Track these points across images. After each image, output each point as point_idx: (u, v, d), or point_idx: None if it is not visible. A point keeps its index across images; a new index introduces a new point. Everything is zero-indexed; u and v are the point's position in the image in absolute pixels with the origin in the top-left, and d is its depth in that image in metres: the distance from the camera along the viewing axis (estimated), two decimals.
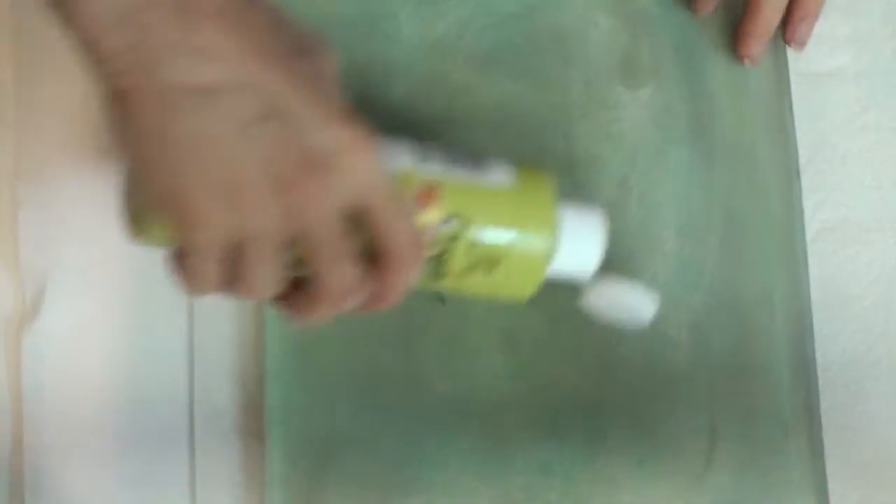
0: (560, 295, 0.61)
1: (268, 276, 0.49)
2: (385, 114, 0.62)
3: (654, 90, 0.62)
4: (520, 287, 0.54)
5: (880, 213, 0.63)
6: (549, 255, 0.53)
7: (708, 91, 0.62)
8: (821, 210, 0.63)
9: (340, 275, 0.50)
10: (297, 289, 0.51)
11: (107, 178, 0.63)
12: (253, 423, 0.61)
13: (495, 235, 0.52)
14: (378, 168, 0.49)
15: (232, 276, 0.49)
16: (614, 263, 0.61)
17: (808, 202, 0.62)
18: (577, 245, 0.54)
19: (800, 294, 0.60)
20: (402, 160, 0.52)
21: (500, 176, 0.52)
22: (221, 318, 0.62)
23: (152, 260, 0.62)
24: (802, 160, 0.63)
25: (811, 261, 0.62)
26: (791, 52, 0.63)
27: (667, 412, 0.60)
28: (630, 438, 0.60)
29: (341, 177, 0.48)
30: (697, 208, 0.61)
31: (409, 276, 0.51)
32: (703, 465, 0.60)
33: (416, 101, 0.63)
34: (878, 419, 0.61)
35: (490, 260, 0.52)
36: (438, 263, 0.52)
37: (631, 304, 0.57)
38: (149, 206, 0.50)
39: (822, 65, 0.64)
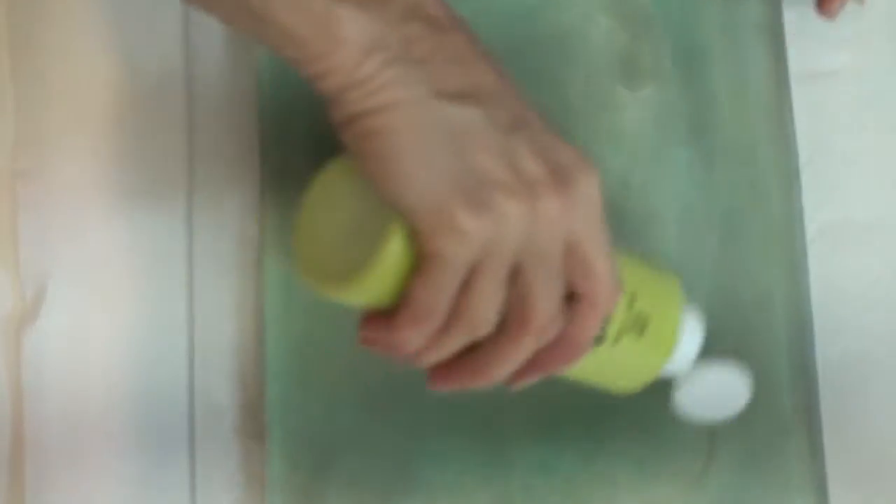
0: None
1: (493, 306, 0.48)
2: None
3: (654, 90, 0.62)
4: (660, 353, 0.54)
5: (880, 213, 0.63)
6: (679, 319, 0.54)
7: (708, 91, 0.62)
8: (821, 210, 0.63)
9: (550, 303, 0.48)
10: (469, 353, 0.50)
11: (106, 177, 0.63)
12: (253, 423, 0.61)
13: (649, 294, 0.52)
14: (600, 197, 0.49)
15: (457, 311, 0.48)
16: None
17: (808, 202, 0.62)
18: (686, 340, 0.54)
19: (800, 294, 0.60)
20: None
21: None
22: (221, 317, 0.62)
23: (152, 260, 0.63)
24: (802, 160, 0.62)
25: (811, 261, 0.62)
26: (791, 53, 0.63)
27: (667, 412, 0.60)
28: (630, 439, 0.60)
29: (580, 196, 0.48)
30: (697, 208, 0.61)
31: (599, 324, 0.50)
32: (703, 465, 0.60)
33: None
34: (878, 419, 0.61)
35: (640, 321, 0.52)
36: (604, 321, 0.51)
37: (725, 391, 0.56)
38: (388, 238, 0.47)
39: (822, 65, 0.64)
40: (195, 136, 0.63)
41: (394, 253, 0.47)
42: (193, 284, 0.62)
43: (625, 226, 0.61)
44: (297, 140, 0.62)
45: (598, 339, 0.52)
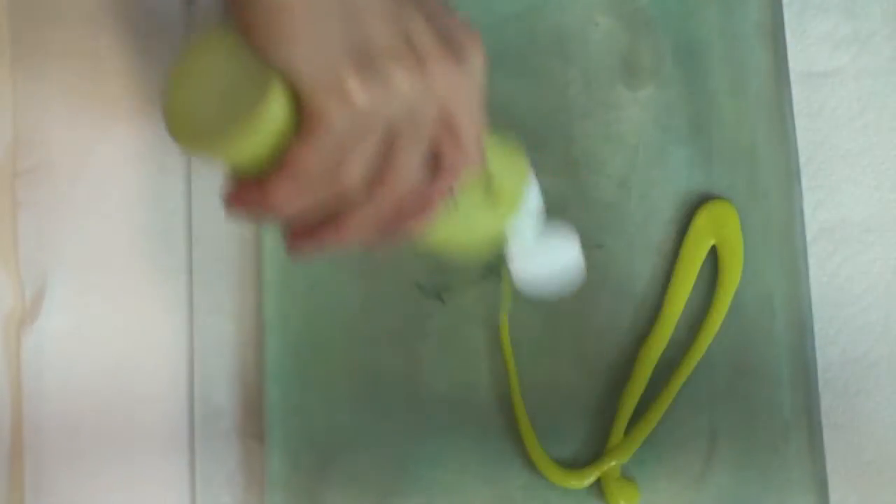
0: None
1: (365, 169, 0.47)
2: None
3: (654, 90, 0.62)
4: (506, 212, 0.54)
5: (880, 213, 0.63)
6: (526, 184, 0.54)
7: (708, 91, 0.62)
8: (821, 210, 0.63)
9: (411, 164, 0.48)
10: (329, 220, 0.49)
11: (106, 178, 0.63)
12: (253, 423, 0.61)
13: (494, 154, 0.52)
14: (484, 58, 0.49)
15: (332, 174, 0.47)
16: (615, 262, 0.61)
17: (809, 202, 0.62)
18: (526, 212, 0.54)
19: (800, 294, 0.60)
20: None
21: None
22: (221, 318, 0.62)
23: (152, 260, 0.63)
24: (802, 160, 0.62)
25: (811, 261, 0.62)
26: (792, 52, 0.63)
27: (667, 412, 0.60)
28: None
29: (467, 70, 0.48)
30: (697, 208, 0.61)
31: (455, 184, 0.49)
32: (703, 465, 0.60)
33: None
34: (878, 419, 0.61)
35: (487, 177, 0.52)
36: None
37: (563, 265, 0.56)
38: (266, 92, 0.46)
39: (822, 65, 0.64)
40: None
41: (274, 109, 0.46)
42: (193, 285, 0.62)
43: (625, 226, 0.61)
44: None
45: (454, 206, 0.51)
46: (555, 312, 0.61)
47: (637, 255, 0.61)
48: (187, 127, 0.47)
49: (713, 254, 0.61)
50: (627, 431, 0.60)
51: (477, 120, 0.49)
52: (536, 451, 0.59)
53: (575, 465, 0.60)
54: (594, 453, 0.60)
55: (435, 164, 0.49)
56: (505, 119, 0.62)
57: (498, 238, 0.54)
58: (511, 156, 0.54)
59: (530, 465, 0.60)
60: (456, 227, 0.53)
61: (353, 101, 0.45)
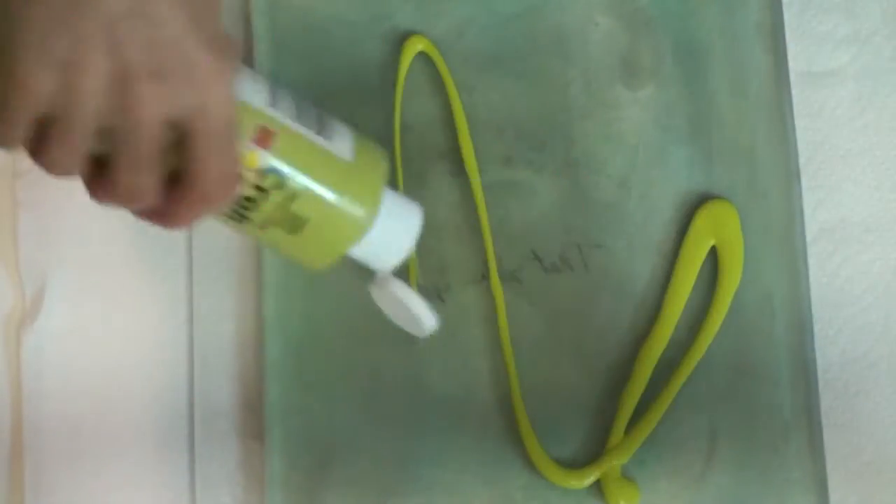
0: (560, 295, 0.61)
1: (70, 155, 0.47)
2: (384, 113, 0.62)
3: (654, 90, 0.62)
4: (316, 256, 0.53)
5: (880, 214, 0.63)
6: (359, 234, 0.52)
7: (708, 91, 0.62)
8: (821, 210, 0.63)
9: (135, 179, 0.48)
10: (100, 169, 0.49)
11: None
12: (252, 423, 0.61)
13: (313, 199, 0.51)
14: (225, 101, 0.48)
15: (37, 145, 0.47)
16: (614, 262, 0.61)
17: (808, 202, 0.62)
18: (389, 233, 0.53)
19: (800, 294, 0.60)
20: (255, 97, 0.50)
21: (339, 143, 0.51)
22: (221, 317, 0.62)
23: (152, 260, 0.63)
24: (802, 160, 0.62)
25: (811, 261, 0.62)
26: (791, 52, 0.63)
27: (667, 412, 0.60)
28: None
29: (182, 92, 0.47)
30: (697, 208, 0.61)
31: (204, 210, 0.49)
32: (703, 465, 0.60)
33: (415, 101, 0.63)
34: (879, 419, 0.61)
35: (296, 222, 0.51)
36: (246, 207, 0.50)
37: (412, 313, 0.55)
38: None
39: (822, 64, 0.64)
40: None
41: None
42: (193, 285, 0.62)
43: (625, 226, 0.61)
44: None
45: (241, 218, 0.51)
46: (555, 312, 0.61)
47: (637, 255, 0.61)
48: None
49: (713, 254, 0.61)
50: (627, 431, 0.60)
51: (215, 141, 0.48)
52: (536, 451, 0.59)
53: (575, 465, 0.60)
54: (594, 453, 0.60)
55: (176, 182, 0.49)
56: (505, 119, 0.62)
57: (327, 259, 0.53)
58: (353, 180, 0.52)
59: (530, 465, 0.60)
60: (263, 240, 0.52)
61: (31, 85, 0.45)
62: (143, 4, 0.46)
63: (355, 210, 0.51)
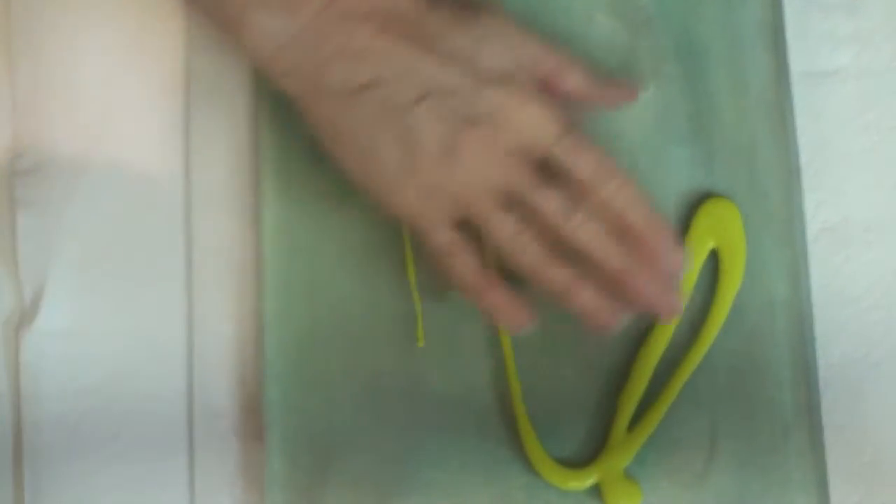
0: None
1: (511, 233, 0.54)
2: None
3: (654, 90, 0.62)
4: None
5: (881, 214, 0.63)
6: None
7: (708, 91, 0.62)
8: (822, 210, 0.63)
9: (559, 203, 0.54)
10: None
11: (106, 178, 0.63)
12: (252, 423, 0.61)
13: None
14: (546, 115, 0.54)
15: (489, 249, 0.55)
16: None
17: (809, 202, 0.62)
18: None
19: (800, 294, 0.60)
20: None
21: None
22: (221, 318, 0.62)
23: (152, 260, 0.63)
24: (803, 160, 0.62)
25: (812, 261, 0.62)
26: (792, 52, 0.63)
27: (668, 412, 0.60)
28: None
29: (503, 125, 0.53)
30: (698, 208, 0.61)
31: (660, 244, 0.55)
32: (703, 464, 0.60)
33: None
34: (879, 419, 0.61)
35: None
36: None
37: None
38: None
39: (823, 64, 0.64)
40: (193, 137, 0.63)
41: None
42: (193, 285, 0.62)
43: None
44: (297, 147, 0.62)
45: None
46: (555, 313, 0.61)
47: None
48: None
49: (714, 253, 0.61)
50: (628, 431, 0.60)
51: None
52: (536, 452, 0.59)
53: (575, 465, 0.60)
54: (594, 453, 0.60)
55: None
56: None
57: None
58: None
59: (531, 465, 0.60)
60: None
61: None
62: (428, 84, 0.53)
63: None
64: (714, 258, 0.61)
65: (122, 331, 0.62)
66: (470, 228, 0.55)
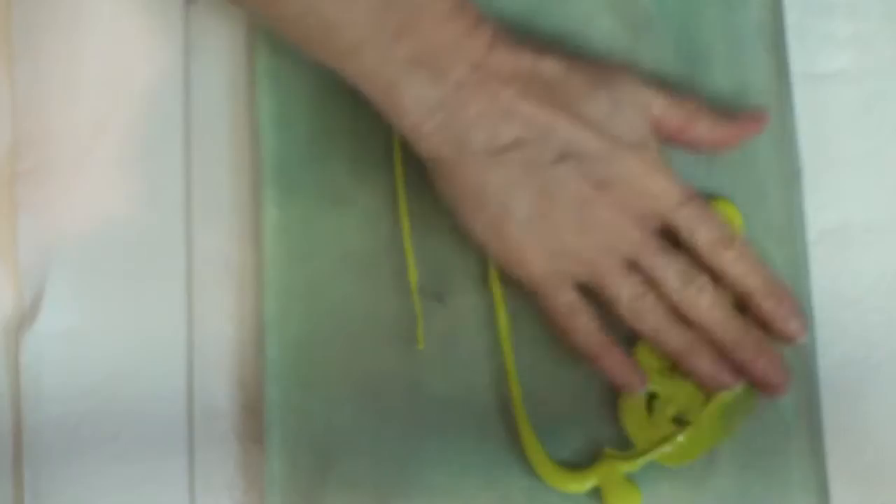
0: None
1: (640, 298, 0.57)
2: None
3: None
4: None
5: (882, 215, 0.63)
6: None
7: (709, 92, 0.62)
8: (822, 212, 0.62)
9: (678, 269, 0.56)
10: None
11: (106, 178, 0.63)
12: (252, 424, 0.61)
13: None
14: (671, 183, 0.57)
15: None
16: None
17: (810, 204, 0.62)
18: None
19: (801, 296, 0.60)
20: None
21: None
22: (221, 318, 0.62)
23: (152, 260, 0.63)
24: (803, 162, 0.62)
25: (812, 263, 0.61)
26: (792, 53, 0.63)
27: None
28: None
29: (632, 190, 0.56)
30: None
31: (784, 311, 0.58)
32: (704, 466, 0.60)
33: None
34: (880, 421, 0.61)
35: None
36: None
37: None
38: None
39: (823, 66, 0.64)
40: (193, 138, 0.63)
41: None
42: (193, 285, 0.62)
43: None
44: (298, 148, 0.62)
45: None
46: None
47: None
48: None
49: None
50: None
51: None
52: (536, 454, 0.59)
53: (575, 467, 0.60)
54: (595, 456, 0.60)
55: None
56: None
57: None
58: None
59: (531, 467, 0.60)
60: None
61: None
62: (565, 146, 0.56)
63: None
64: None
65: (123, 331, 0.62)
66: (589, 291, 0.57)
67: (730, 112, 0.59)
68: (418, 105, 0.55)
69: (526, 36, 0.57)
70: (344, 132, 0.59)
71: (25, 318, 0.62)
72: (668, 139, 0.58)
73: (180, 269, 0.63)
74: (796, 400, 0.60)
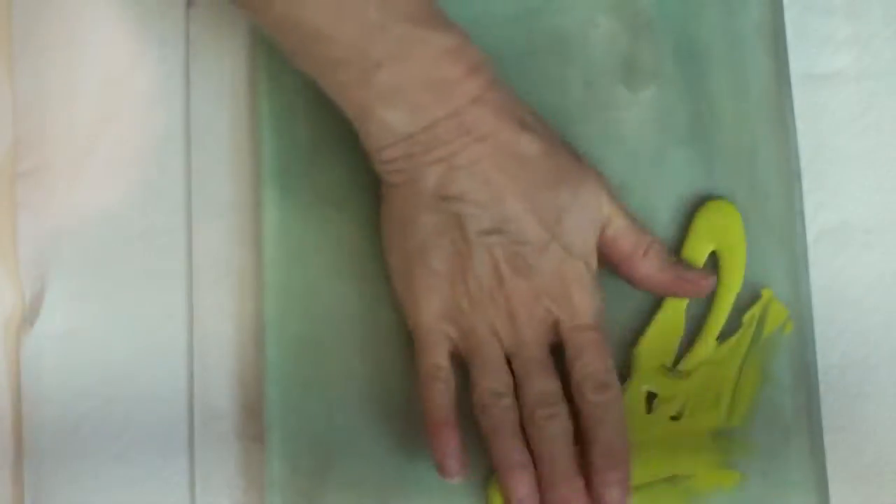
0: None
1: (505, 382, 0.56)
2: None
3: (654, 91, 0.62)
4: None
5: (882, 216, 0.63)
6: None
7: (708, 92, 0.62)
8: (822, 212, 0.63)
9: (541, 390, 0.56)
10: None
11: (106, 178, 0.63)
12: (252, 425, 0.61)
13: None
14: (588, 305, 0.56)
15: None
16: None
17: (809, 204, 0.62)
18: None
19: (800, 296, 0.60)
20: None
21: None
22: (221, 319, 0.62)
23: (152, 260, 0.63)
24: (803, 162, 0.62)
25: (812, 263, 0.61)
26: (792, 54, 0.63)
27: None
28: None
29: (544, 288, 0.56)
30: (698, 209, 0.61)
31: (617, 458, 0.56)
32: None
33: None
34: (879, 421, 0.61)
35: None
36: None
37: None
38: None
39: (823, 66, 0.64)
40: (193, 138, 0.63)
41: None
42: (193, 285, 0.62)
43: None
44: (298, 149, 0.62)
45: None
46: None
47: None
48: None
49: (714, 255, 0.61)
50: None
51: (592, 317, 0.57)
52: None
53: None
54: None
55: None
56: None
57: None
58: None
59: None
60: None
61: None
62: (504, 224, 0.56)
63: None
64: (714, 260, 0.61)
65: (123, 331, 0.62)
66: (460, 365, 0.57)
67: (683, 260, 0.59)
68: (385, 133, 0.55)
69: (526, 105, 0.58)
70: (344, 133, 0.59)
71: (26, 318, 0.62)
72: (611, 263, 0.58)
73: (180, 269, 0.63)
74: (796, 400, 0.60)
